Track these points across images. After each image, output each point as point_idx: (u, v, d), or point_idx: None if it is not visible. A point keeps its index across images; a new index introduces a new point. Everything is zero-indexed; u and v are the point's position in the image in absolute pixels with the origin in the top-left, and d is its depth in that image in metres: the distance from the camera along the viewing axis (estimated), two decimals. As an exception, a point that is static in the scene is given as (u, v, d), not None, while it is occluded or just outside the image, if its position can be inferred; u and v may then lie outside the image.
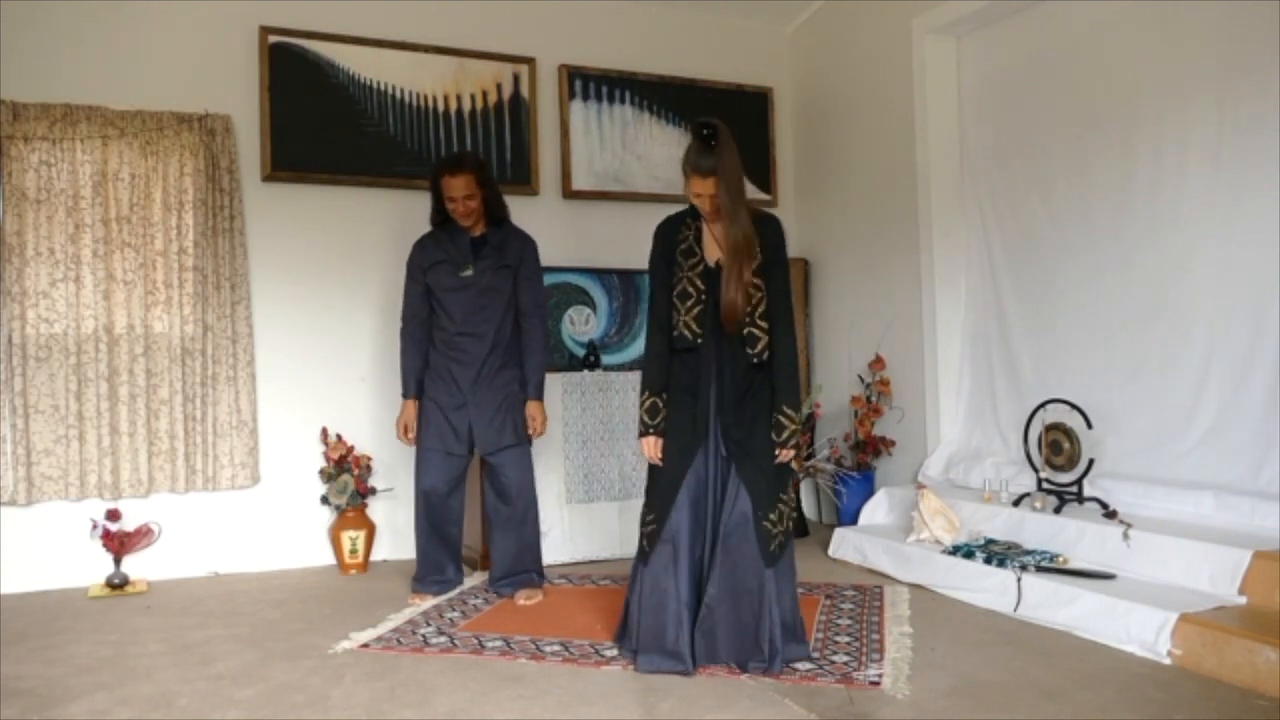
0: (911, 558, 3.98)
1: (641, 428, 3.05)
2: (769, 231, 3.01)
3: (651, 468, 3.06)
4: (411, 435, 3.88)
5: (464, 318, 3.78)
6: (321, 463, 4.54)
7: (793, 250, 5.55)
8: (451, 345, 3.80)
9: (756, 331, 2.94)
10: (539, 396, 3.84)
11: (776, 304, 2.98)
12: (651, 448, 3.02)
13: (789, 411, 2.95)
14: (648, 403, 3.04)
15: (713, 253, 3.00)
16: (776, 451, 2.96)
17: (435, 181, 3.82)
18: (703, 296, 2.96)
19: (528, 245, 3.90)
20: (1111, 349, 4.04)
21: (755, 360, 2.94)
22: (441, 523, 3.87)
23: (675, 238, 3.05)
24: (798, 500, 5.08)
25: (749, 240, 2.91)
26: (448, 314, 3.81)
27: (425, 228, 4.00)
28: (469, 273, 3.79)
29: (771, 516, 2.91)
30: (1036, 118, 4.38)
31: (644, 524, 3.01)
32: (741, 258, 2.91)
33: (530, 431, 3.83)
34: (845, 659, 3.00)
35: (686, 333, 2.97)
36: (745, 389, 2.95)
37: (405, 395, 3.91)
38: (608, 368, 4.89)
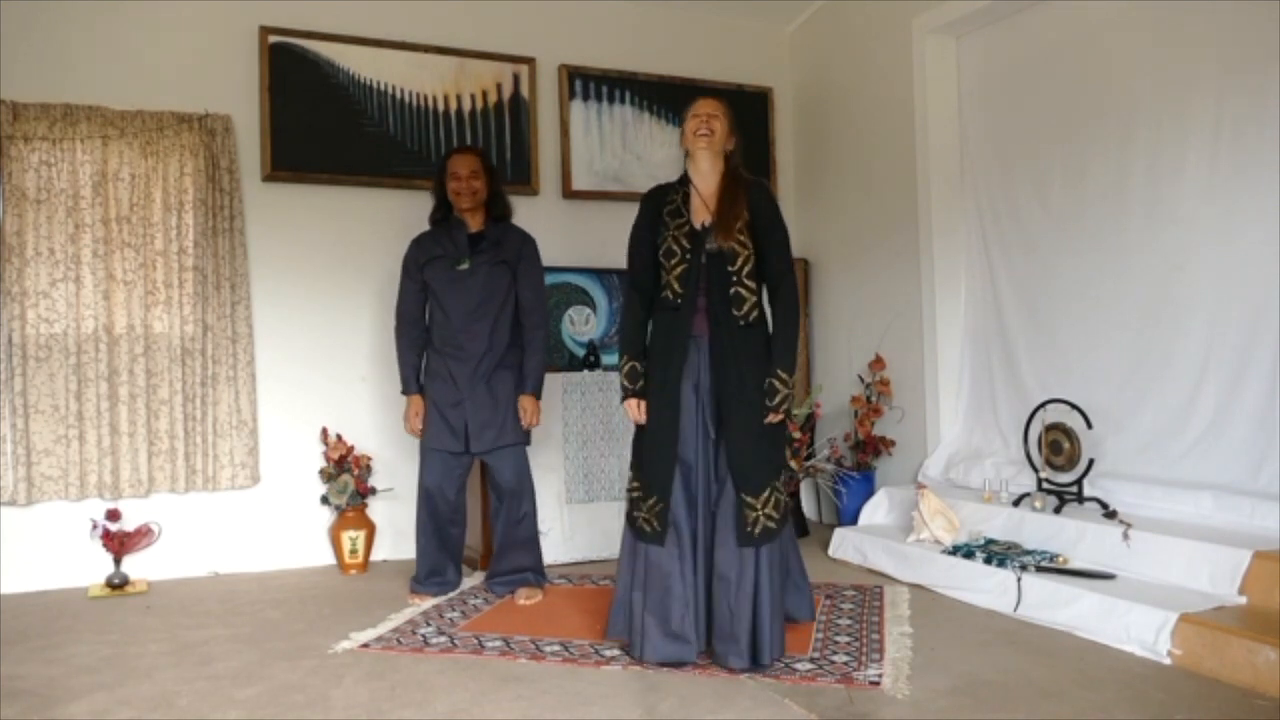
0: (911, 558, 3.98)
1: (623, 392, 3.04)
2: (760, 194, 3.03)
3: (638, 442, 3.04)
4: (419, 426, 3.86)
5: (461, 315, 3.77)
6: (321, 463, 4.54)
7: (793, 250, 5.53)
8: (449, 343, 3.79)
9: (743, 292, 2.93)
10: (534, 392, 3.80)
11: (777, 270, 2.97)
12: (636, 410, 3.01)
13: (782, 374, 2.90)
14: (627, 366, 3.04)
15: (700, 216, 3.00)
16: (768, 416, 2.91)
17: (441, 167, 3.89)
18: (688, 255, 2.95)
19: (527, 242, 3.89)
20: (1111, 349, 4.04)
21: (742, 322, 2.92)
22: (444, 522, 3.86)
23: (663, 200, 3.07)
24: (797, 503, 5.08)
25: (736, 181, 3.01)
26: (445, 311, 3.80)
27: (423, 227, 4.01)
28: (465, 266, 3.78)
29: (749, 498, 2.87)
30: (1036, 118, 4.38)
31: (642, 504, 2.96)
32: (735, 187, 2.99)
33: (523, 422, 3.79)
34: (845, 659, 3.00)
35: (669, 293, 2.97)
36: (736, 358, 2.91)
37: (405, 391, 3.91)
38: (608, 368, 4.88)
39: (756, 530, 2.86)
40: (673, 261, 2.97)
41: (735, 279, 2.92)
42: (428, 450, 3.81)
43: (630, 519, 3.03)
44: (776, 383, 2.90)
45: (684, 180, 3.08)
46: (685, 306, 2.95)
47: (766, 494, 2.89)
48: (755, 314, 2.95)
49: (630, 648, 3.00)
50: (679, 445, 2.93)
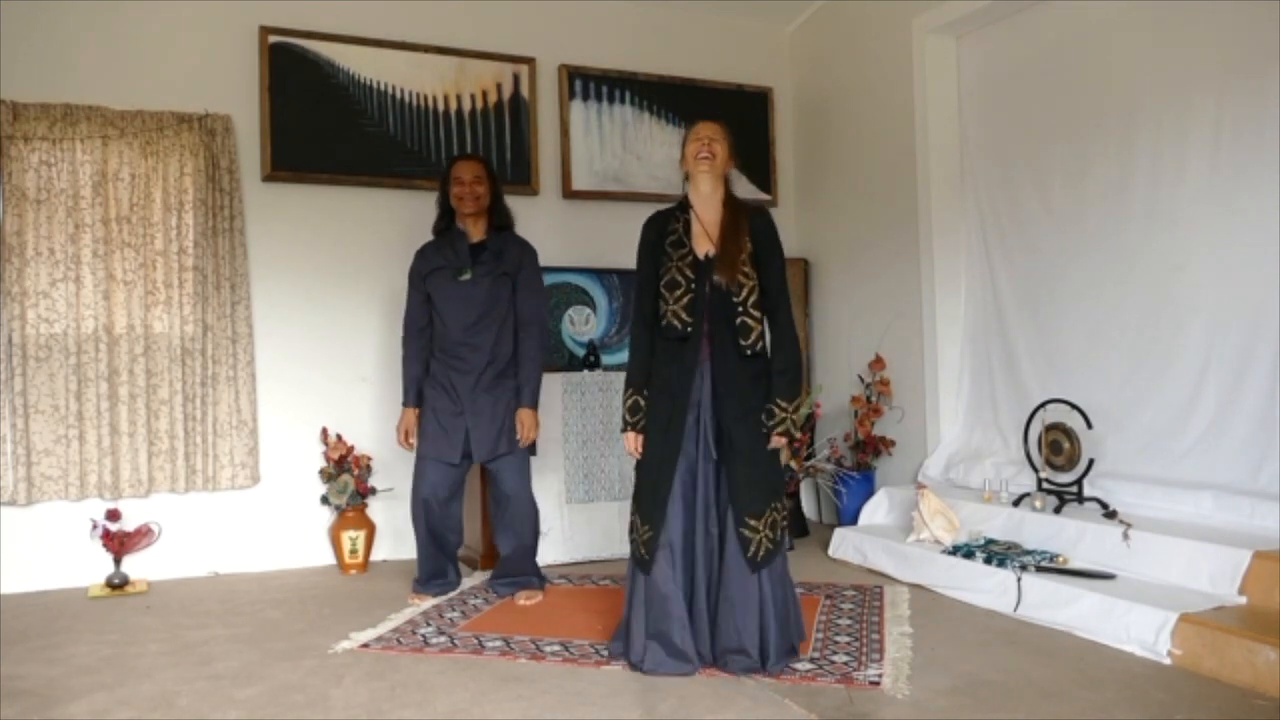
0: (911, 558, 3.98)
1: (623, 424, 3.06)
2: (761, 223, 3.04)
3: (639, 469, 3.04)
4: (412, 441, 3.88)
5: (462, 326, 3.76)
6: (321, 463, 4.54)
7: (793, 250, 5.55)
8: (450, 354, 3.79)
9: (749, 321, 2.93)
10: (532, 405, 3.79)
11: (775, 299, 2.98)
12: (631, 443, 3.04)
13: (781, 403, 2.93)
14: (630, 400, 3.05)
15: (702, 245, 2.99)
16: (769, 438, 2.94)
17: (444, 176, 3.89)
18: (691, 286, 2.95)
19: (527, 253, 3.88)
20: (1111, 349, 4.04)
21: (749, 352, 2.93)
22: (440, 530, 3.86)
23: (664, 229, 3.06)
24: (797, 503, 5.08)
25: (738, 209, 3.03)
26: (446, 322, 3.80)
27: (424, 227, 4.01)
28: (467, 277, 3.78)
29: (751, 522, 2.87)
30: (1036, 118, 4.38)
31: (638, 531, 2.97)
32: (737, 217, 3.00)
33: (518, 437, 3.77)
34: (845, 659, 3.00)
35: (675, 322, 2.95)
36: (737, 384, 2.92)
37: (405, 404, 3.91)
38: (608, 368, 4.88)
39: (760, 554, 2.88)
40: (677, 292, 2.96)
41: (741, 309, 2.93)
42: (423, 459, 3.81)
43: (630, 544, 3.04)
44: (775, 408, 2.93)
45: (684, 206, 3.07)
46: (694, 335, 2.95)
47: (767, 516, 2.91)
48: (760, 344, 2.96)
49: (632, 666, 2.98)
50: (683, 469, 2.93)
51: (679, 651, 2.89)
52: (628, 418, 3.04)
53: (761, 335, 2.95)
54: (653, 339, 3.04)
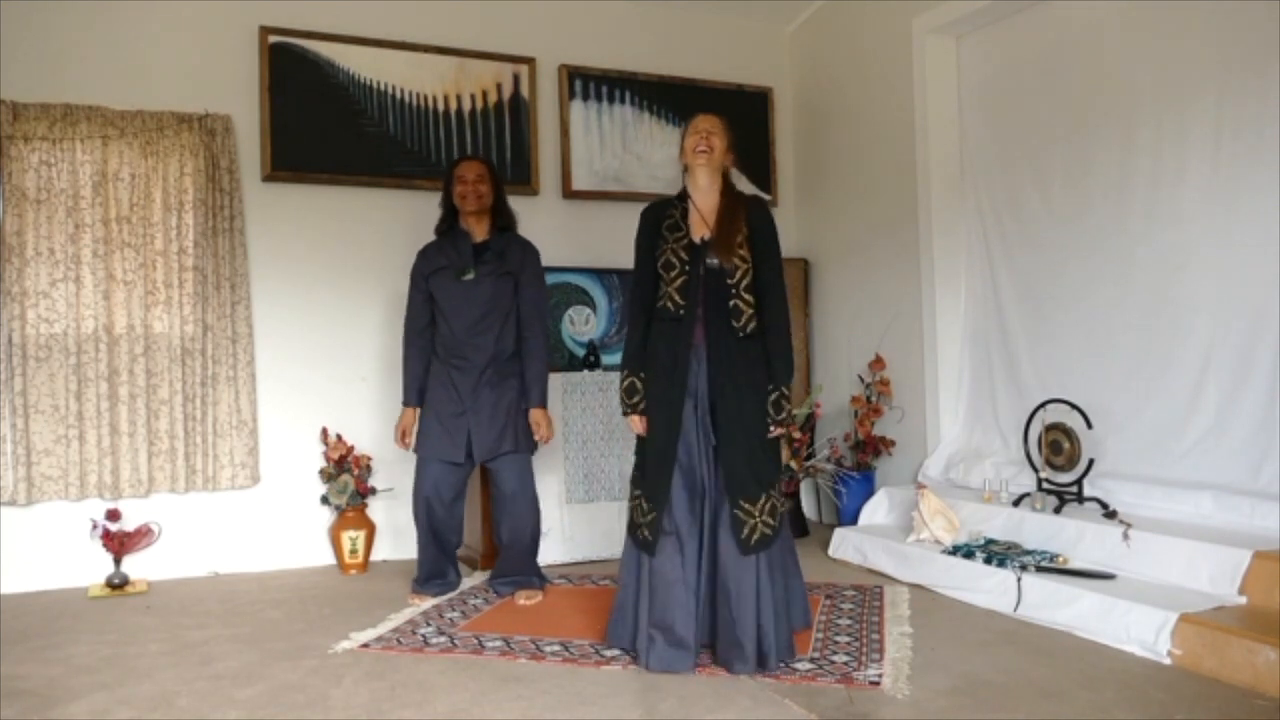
0: (911, 558, 3.98)
1: (623, 407, 3.09)
2: (758, 211, 3.06)
3: (640, 451, 3.05)
4: (409, 441, 3.88)
5: (465, 325, 3.77)
6: (321, 463, 4.54)
7: (793, 250, 5.56)
8: (452, 353, 3.80)
9: (741, 304, 2.95)
10: (542, 404, 3.82)
11: (769, 283, 3.00)
12: (639, 424, 3.06)
13: (785, 391, 2.96)
14: (626, 382, 3.08)
15: (699, 230, 3.02)
16: (770, 427, 2.96)
17: (448, 176, 3.89)
18: (686, 268, 2.97)
19: (529, 253, 3.90)
20: (1112, 349, 4.04)
21: (741, 334, 2.95)
22: (442, 530, 3.87)
23: (662, 215, 3.09)
24: (797, 502, 5.08)
25: (735, 197, 3.05)
26: (449, 321, 3.80)
27: (424, 226, 4.02)
28: (470, 276, 3.78)
29: (745, 505, 2.88)
30: (1036, 117, 4.38)
31: (641, 512, 2.98)
32: (734, 204, 3.02)
33: (537, 438, 3.80)
34: (845, 659, 3.00)
35: (669, 304, 2.98)
36: (733, 367, 2.93)
37: (405, 403, 3.91)
38: (608, 368, 4.88)
39: (754, 538, 2.88)
40: (672, 274, 2.99)
41: (734, 291, 2.95)
42: (425, 460, 3.81)
43: (632, 527, 3.04)
44: (782, 400, 2.95)
45: (682, 196, 3.11)
46: (687, 317, 2.96)
47: (763, 501, 2.90)
48: (753, 325, 2.97)
49: (636, 655, 2.99)
50: (682, 453, 2.94)
51: (681, 641, 2.88)
52: (626, 399, 3.07)
53: (753, 318, 2.97)
54: (648, 321, 3.07)
